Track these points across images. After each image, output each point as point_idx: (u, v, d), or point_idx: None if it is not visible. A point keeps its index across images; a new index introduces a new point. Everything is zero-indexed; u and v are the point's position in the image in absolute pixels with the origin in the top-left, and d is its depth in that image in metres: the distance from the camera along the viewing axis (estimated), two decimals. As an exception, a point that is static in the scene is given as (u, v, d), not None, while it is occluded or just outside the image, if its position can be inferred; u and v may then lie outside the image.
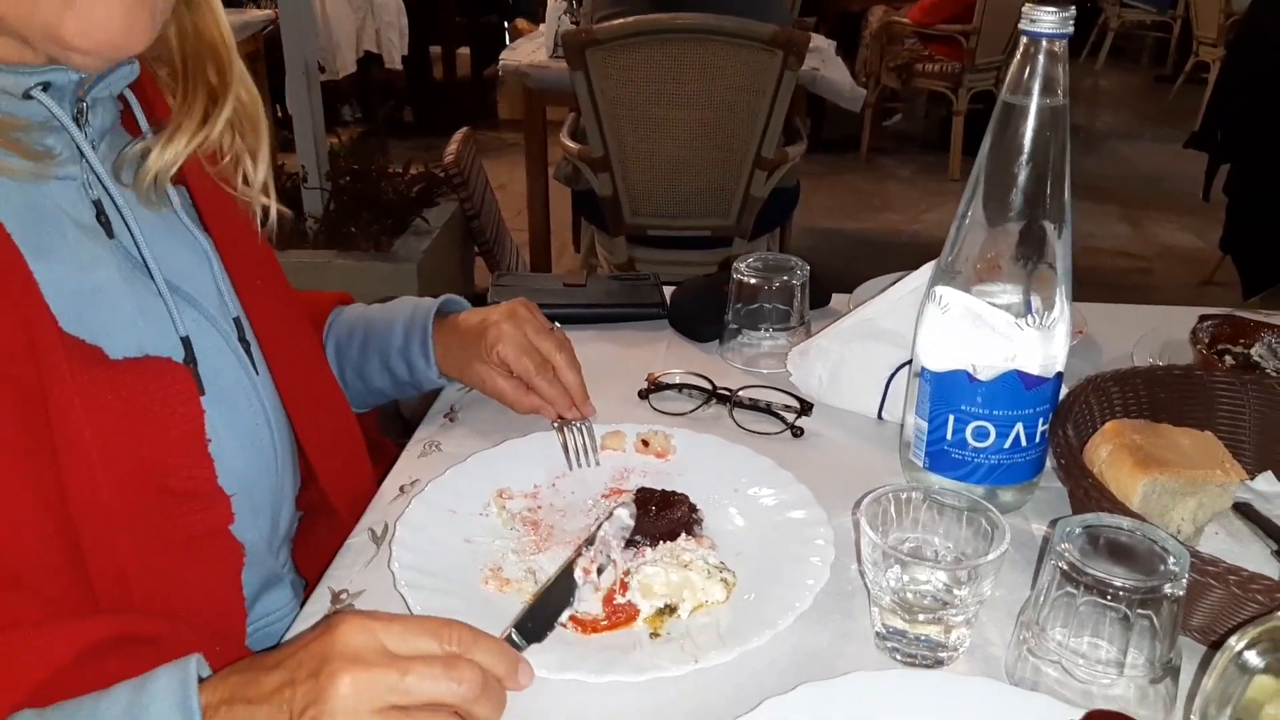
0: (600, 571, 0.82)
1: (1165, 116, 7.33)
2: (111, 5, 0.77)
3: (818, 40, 3.89)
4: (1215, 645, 0.79)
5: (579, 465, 1.05)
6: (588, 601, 0.85)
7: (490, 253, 3.07)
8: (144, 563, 0.80)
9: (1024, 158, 0.87)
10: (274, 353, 0.98)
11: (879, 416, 1.15)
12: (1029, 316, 0.90)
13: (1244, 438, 1.02)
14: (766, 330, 1.28)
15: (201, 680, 0.67)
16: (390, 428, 1.32)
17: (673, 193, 3.16)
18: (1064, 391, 0.98)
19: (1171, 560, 0.71)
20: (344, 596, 0.88)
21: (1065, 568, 0.72)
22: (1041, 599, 0.74)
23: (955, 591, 0.78)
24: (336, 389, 1.10)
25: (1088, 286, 1.10)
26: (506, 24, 6.97)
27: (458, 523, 0.95)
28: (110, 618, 0.76)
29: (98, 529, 0.76)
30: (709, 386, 1.19)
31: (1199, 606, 0.78)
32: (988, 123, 0.89)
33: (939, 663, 0.80)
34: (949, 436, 0.95)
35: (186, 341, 0.87)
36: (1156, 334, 1.29)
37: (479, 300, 1.26)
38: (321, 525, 1.06)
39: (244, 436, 0.92)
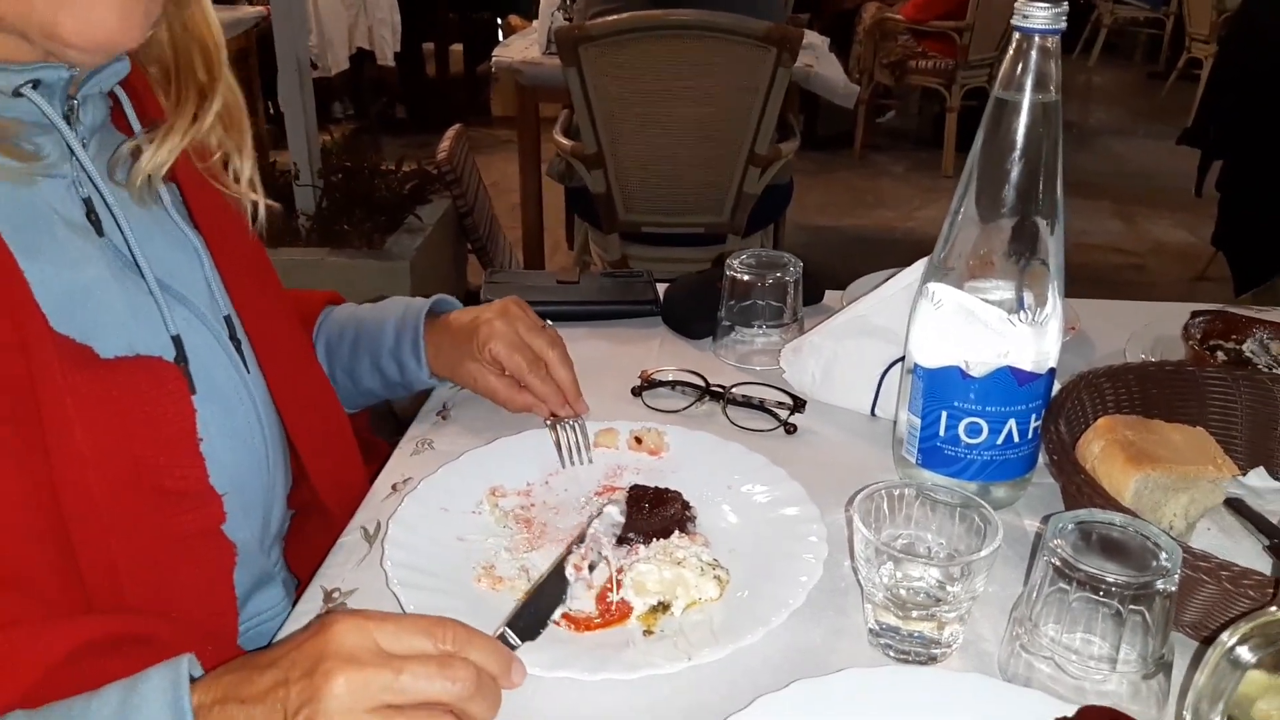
0: (592, 568, 0.82)
1: (1158, 113, 7.34)
2: (107, 2, 0.77)
3: (811, 37, 3.90)
4: (1207, 641, 0.79)
5: (572, 463, 1.05)
6: (581, 599, 0.85)
7: (483, 250, 3.06)
8: (136, 562, 0.79)
9: (1016, 154, 0.87)
10: (265, 351, 0.98)
11: (872, 413, 1.15)
12: (1021, 313, 0.90)
13: (1236, 433, 1.02)
14: (760, 327, 1.27)
15: (193, 680, 0.67)
16: (383, 426, 1.31)
17: (666, 189, 3.16)
18: (1056, 387, 0.98)
19: (1164, 556, 0.71)
20: (336, 595, 0.87)
21: (1058, 564, 0.72)
22: (1034, 595, 0.75)
23: (948, 588, 0.79)
24: (328, 387, 1.10)
25: (1080, 283, 1.10)
26: (499, 20, 6.95)
27: (450, 521, 0.95)
28: (102, 617, 0.76)
29: (89, 528, 0.76)
30: (702, 383, 1.19)
31: (1191, 602, 0.78)
32: (981, 119, 0.89)
33: (932, 659, 0.80)
34: (942, 433, 0.95)
35: (177, 340, 0.87)
36: (1149, 330, 1.30)
37: (472, 298, 1.26)
38: (313, 524, 1.05)
39: (235, 435, 0.92)
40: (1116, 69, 8.92)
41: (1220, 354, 1.21)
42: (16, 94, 0.79)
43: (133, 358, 0.83)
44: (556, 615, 0.81)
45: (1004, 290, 0.91)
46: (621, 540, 0.91)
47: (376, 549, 0.92)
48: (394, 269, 3.26)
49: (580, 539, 0.86)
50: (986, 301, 0.91)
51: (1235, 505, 0.89)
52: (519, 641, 0.77)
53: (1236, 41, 3.97)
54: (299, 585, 1.03)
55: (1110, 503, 0.82)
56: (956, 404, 0.94)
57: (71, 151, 0.83)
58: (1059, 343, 0.94)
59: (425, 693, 0.65)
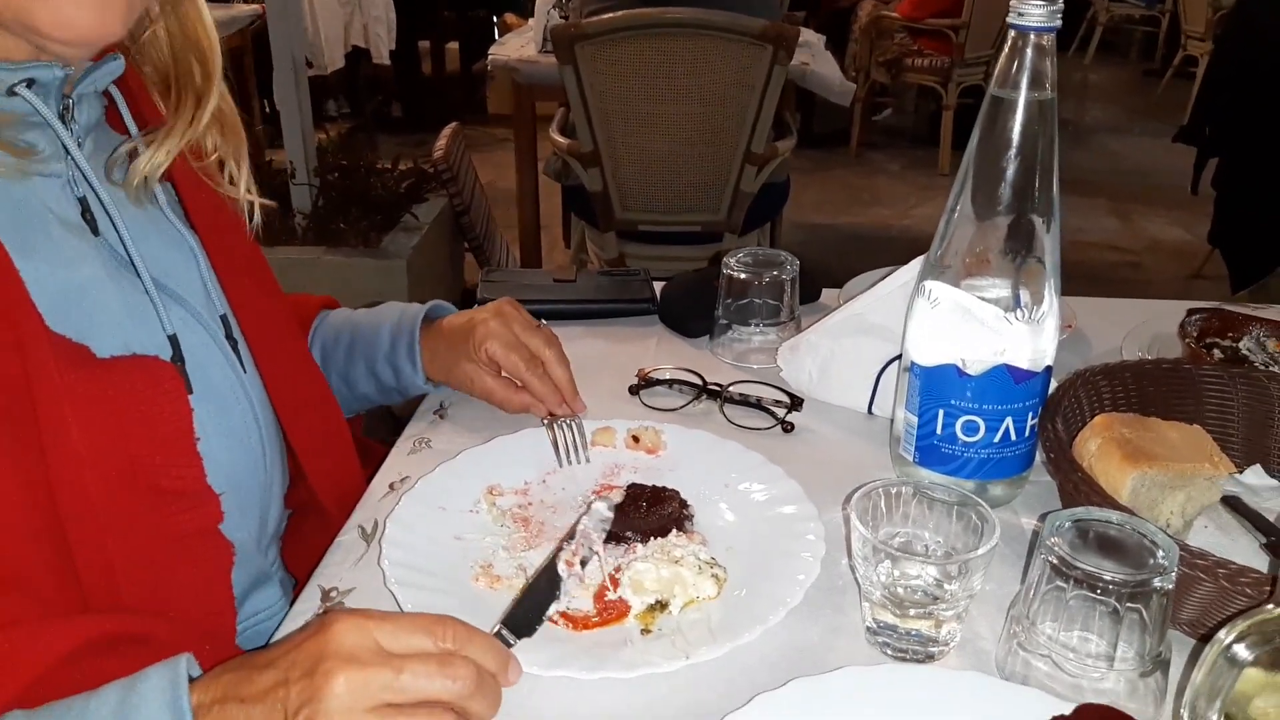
0: (584, 564, 0.82)
1: (1154, 111, 7.35)
2: None
3: (807, 35, 3.89)
4: (1205, 638, 0.79)
5: (569, 462, 1.05)
6: (579, 598, 0.85)
7: (480, 248, 3.06)
8: (133, 561, 0.79)
9: (1012, 152, 0.87)
10: (262, 351, 0.98)
11: (869, 411, 1.16)
12: (1018, 310, 0.90)
13: (1232, 431, 1.02)
14: (757, 325, 1.27)
15: (192, 680, 0.67)
16: (380, 425, 1.31)
17: (663, 188, 3.16)
18: (1053, 385, 0.98)
19: (1161, 554, 0.72)
20: (334, 594, 0.87)
21: (1055, 562, 0.72)
22: (1031, 593, 0.75)
23: (946, 586, 0.79)
24: (325, 387, 1.09)
25: (1077, 280, 1.10)
26: (495, 19, 6.95)
27: (448, 520, 0.95)
28: (99, 617, 0.76)
29: (86, 528, 0.76)
30: (699, 382, 1.19)
31: (1188, 600, 0.78)
32: (977, 117, 0.89)
33: (930, 657, 0.80)
34: (939, 431, 0.95)
35: (174, 340, 0.87)
36: (1145, 328, 1.30)
37: (469, 296, 1.26)
38: (310, 524, 1.05)
39: (232, 435, 0.92)
40: (1112, 67, 8.93)
41: (1217, 351, 1.21)
42: (11, 93, 0.79)
43: (129, 357, 0.82)
44: (551, 612, 0.81)
45: (1000, 288, 0.91)
46: (619, 539, 0.91)
47: (374, 548, 0.92)
48: (390, 268, 3.25)
49: (571, 536, 0.86)
50: (983, 299, 0.91)
51: (1232, 503, 0.89)
52: (515, 640, 0.77)
53: (1232, 39, 3.98)
54: (296, 585, 1.03)
55: (1107, 501, 0.82)
56: (953, 402, 0.94)
57: (66, 150, 0.83)
58: (1055, 341, 0.94)
59: (426, 691, 0.65)
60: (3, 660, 0.69)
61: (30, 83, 0.79)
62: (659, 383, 1.21)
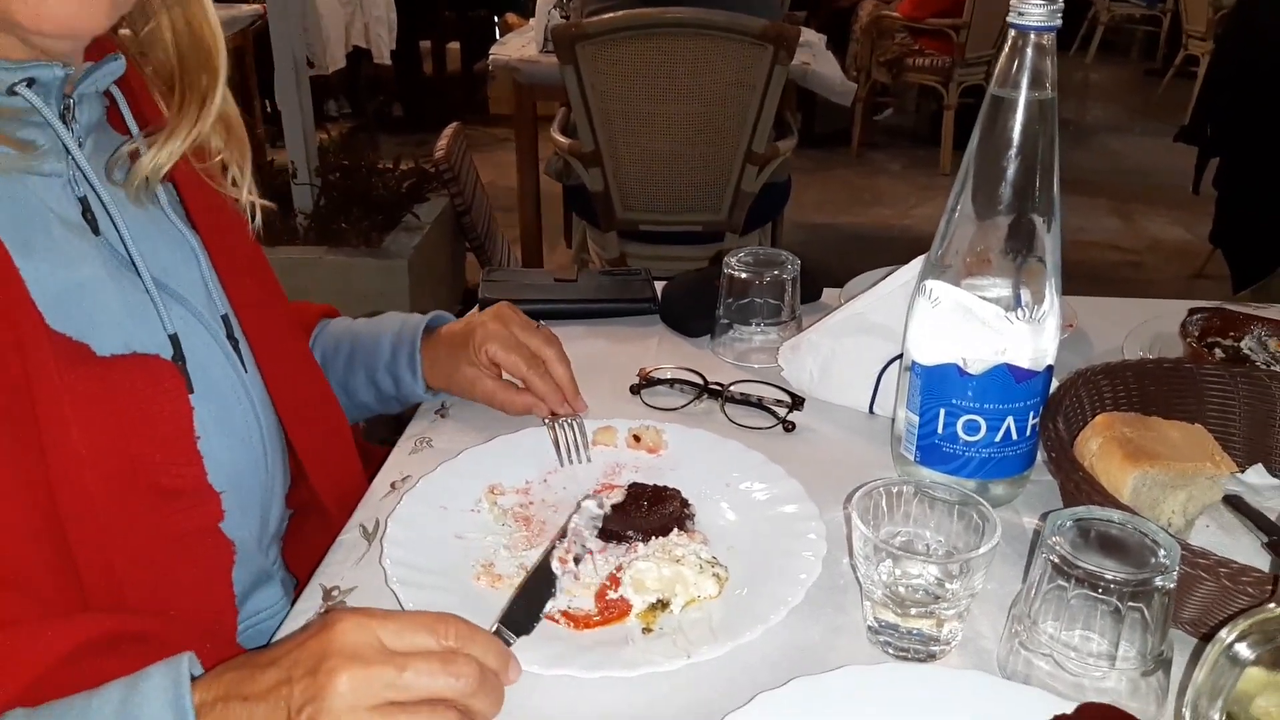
0: (577, 561, 0.82)
1: (1155, 110, 7.35)
2: None
3: (808, 35, 3.89)
4: (1206, 638, 0.79)
5: (571, 461, 1.05)
6: (580, 597, 0.85)
7: (481, 248, 3.06)
8: (134, 561, 0.79)
9: (1013, 151, 0.87)
10: (263, 350, 0.98)
11: (870, 411, 1.16)
12: (1019, 310, 0.90)
13: (1234, 430, 1.02)
14: (758, 325, 1.27)
15: (194, 678, 0.67)
16: (381, 425, 1.31)
17: (664, 188, 3.16)
18: (1054, 385, 0.98)
19: (1162, 553, 0.71)
20: (335, 593, 0.87)
21: (1056, 561, 0.72)
22: (1033, 592, 0.75)
23: (947, 585, 0.79)
24: (326, 387, 1.09)
25: (1078, 280, 1.10)
26: (496, 18, 6.95)
27: (449, 519, 0.95)
28: (100, 616, 0.76)
29: (87, 527, 0.76)
30: (700, 381, 1.19)
31: (1190, 599, 0.78)
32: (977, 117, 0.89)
33: (931, 656, 0.80)
34: (940, 430, 0.95)
35: (174, 339, 0.87)
36: (1146, 327, 1.30)
37: (470, 296, 1.26)
38: (311, 523, 1.05)
39: (233, 434, 0.92)
40: (1113, 66, 8.92)
41: (1218, 351, 1.21)
42: (11, 92, 0.79)
43: (129, 355, 0.82)
44: (548, 609, 0.81)
45: (1001, 288, 0.91)
46: (620, 538, 0.91)
47: (375, 547, 0.92)
48: (392, 267, 3.25)
49: (563, 535, 0.86)
50: (984, 299, 0.91)
51: (1234, 502, 0.89)
52: (514, 638, 0.77)
53: (1233, 39, 3.97)
54: (298, 584, 1.03)
55: (1109, 500, 0.82)
56: (954, 401, 0.94)
57: (67, 150, 0.83)
58: (1057, 340, 0.94)
59: (429, 689, 0.65)
60: (3, 659, 0.69)
61: (31, 82, 0.79)
62: (660, 382, 1.21)
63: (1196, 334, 1.22)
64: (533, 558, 0.91)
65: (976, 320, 0.91)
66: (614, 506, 0.94)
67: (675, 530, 0.91)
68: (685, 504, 0.95)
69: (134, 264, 0.86)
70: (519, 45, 3.91)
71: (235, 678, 0.67)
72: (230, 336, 0.94)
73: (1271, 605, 0.65)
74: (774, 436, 1.12)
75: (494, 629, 0.76)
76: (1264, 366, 1.17)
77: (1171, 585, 0.70)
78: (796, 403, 1.15)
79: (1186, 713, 0.66)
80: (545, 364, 1.12)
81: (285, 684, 0.65)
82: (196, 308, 0.92)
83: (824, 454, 1.09)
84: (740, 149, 3.05)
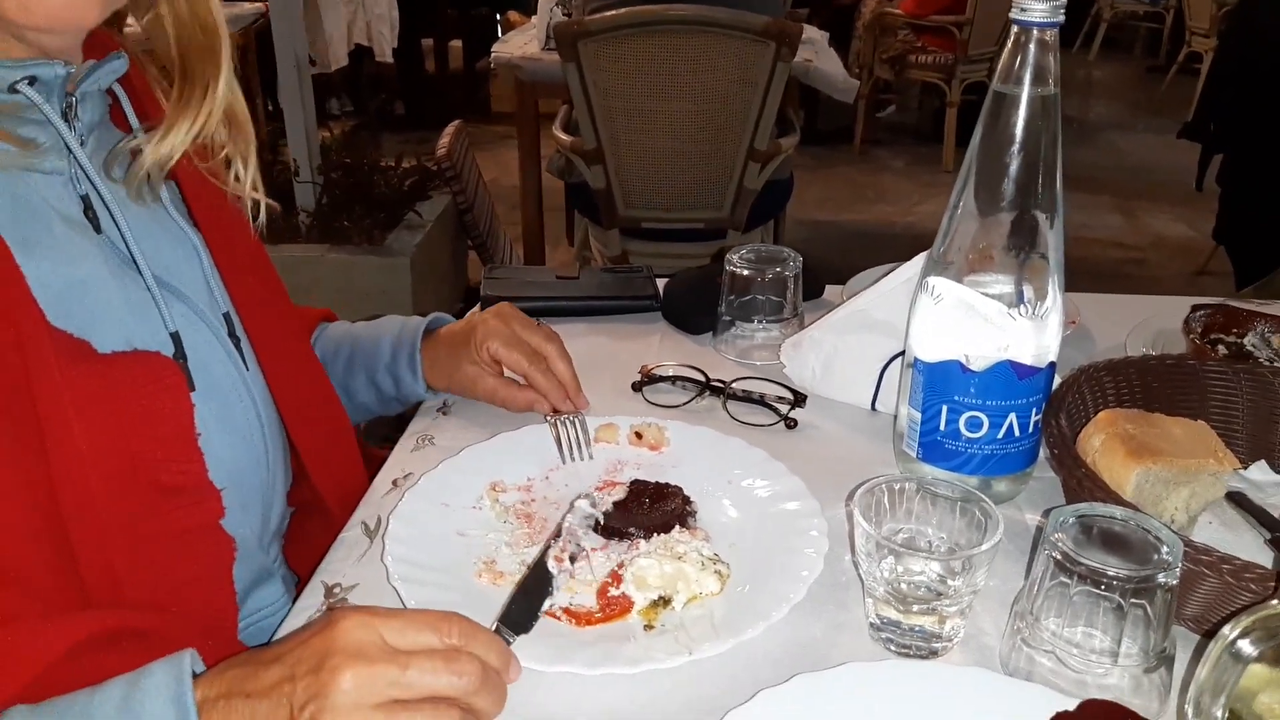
0: (573, 559, 0.82)
1: (1158, 107, 7.33)
2: None
3: (810, 32, 3.89)
4: (1209, 634, 0.79)
5: (572, 458, 1.05)
6: (581, 594, 0.85)
7: (483, 246, 3.06)
8: (135, 558, 0.79)
9: (1015, 147, 0.87)
10: (264, 348, 0.98)
11: (872, 408, 1.15)
12: (1021, 306, 0.90)
13: (1237, 427, 1.02)
14: (760, 322, 1.27)
15: (196, 675, 0.67)
16: (382, 423, 1.31)
17: (666, 185, 3.16)
18: (1057, 381, 0.98)
19: (1165, 550, 0.71)
20: (337, 590, 0.87)
21: (1059, 558, 0.72)
22: (1035, 589, 0.74)
23: (949, 582, 0.78)
24: (327, 385, 1.10)
25: (1081, 277, 1.10)
26: (498, 16, 6.94)
27: (451, 516, 0.95)
28: (101, 613, 0.76)
29: (88, 524, 0.76)
30: (702, 379, 1.19)
31: (1193, 596, 0.78)
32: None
33: (933, 653, 0.80)
34: (942, 427, 0.95)
35: (176, 337, 0.87)
36: (1149, 324, 1.29)
37: (472, 293, 1.26)
38: (313, 521, 1.05)
39: (234, 431, 0.92)
40: (1116, 63, 8.91)
41: (1221, 348, 1.21)
42: (13, 90, 0.79)
43: (130, 353, 0.82)
44: (546, 607, 0.81)
45: (1004, 284, 0.91)
46: (622, 535, 0.92)
47: (377, 544, 0.92)
48: (394, 265, 3.26)
49: (557, 534, 0.86)
50: (986, 295, 0.91)
51: (1237, 499, 0.89)
52: (514, 637, 0.77)
53: (1236, 35, 3.97)
54: (299, 582, 1.03)
55: (1111, 496, 0.82)
56: (957, 398, 0.94)
57: (69, 148, 0.83)
58: (1059, 337, 0.94)
59: (432, 687, 0.65)
60: (5, 657, 0.69)
61: (32, 80, 0.79)
62: (662, 379, 1.21)
63: (1199, 330, 1.22)
64: (534, 555, 0.91)
65: (979, 317, 0.91)
66: (616, 504, 0.94)
67: (677, 527, 0.91)
68: (687, 501, 0.95)
69: (135, 262, 0.86)
70: (521, 43, 3.91)
71: (238, 674, 0.67)
72: (232, 334, 0.94)
73: (1274, 602, 0.65)
74: (776, 433, 1.12)
75: (493, 628, 0.76)
76: (1267, 363, 1.17)
77: (1174, 582, 0.70)
78: (798, 400, 1.15)
79: (1189, 709, 0.66)
80: (547, 360, 1.12)
81: (288, 681, 0.65)
82: (198, 305, 0.92)
83: (826, 451, 1.09)
84: (742, 146, 3.05)
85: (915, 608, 0.79)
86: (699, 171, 3.12)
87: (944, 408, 0.95)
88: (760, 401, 1.16)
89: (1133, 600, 0.70)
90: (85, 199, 0.85)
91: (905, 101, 7.16)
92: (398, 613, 0.69)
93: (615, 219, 3.22)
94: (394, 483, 1.02)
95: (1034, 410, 0.94)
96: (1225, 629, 0.65)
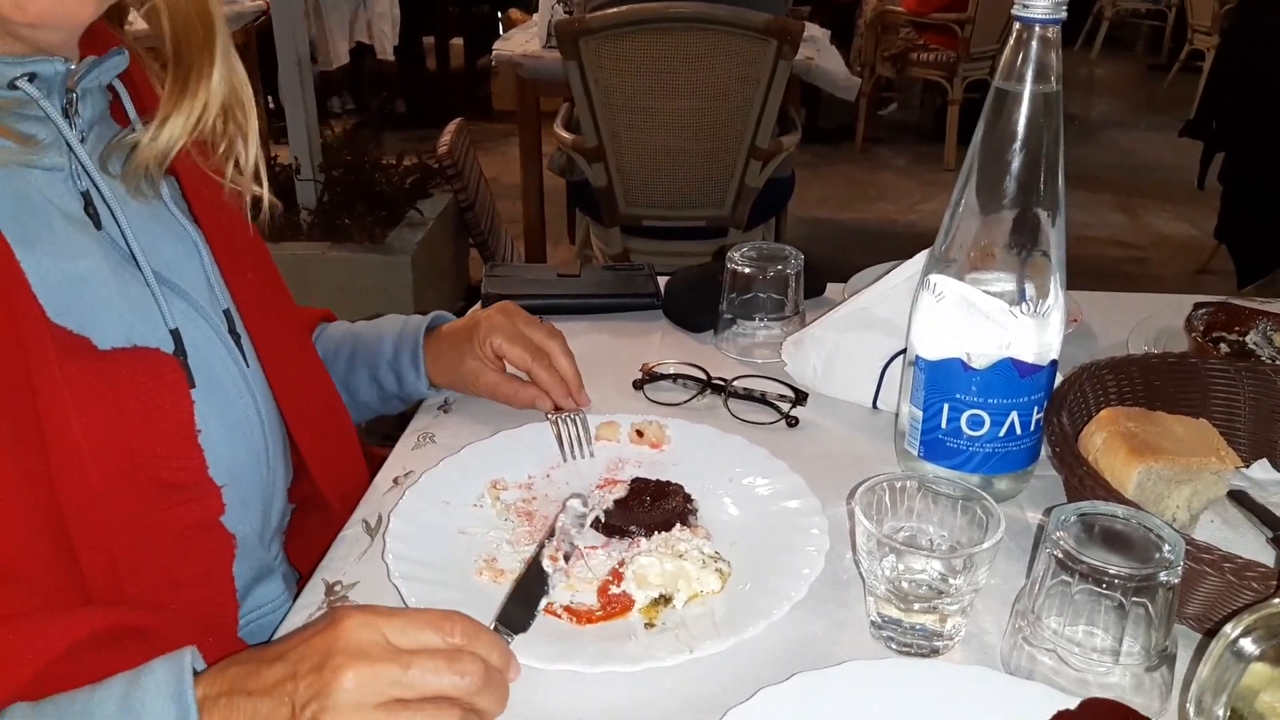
0: (567, 558, 0.82)
1: (1160, 105, 7.32)
2: None
3: (812, 29, 3.89)
4: (1210, 633, 0.79)
5: (573, 456, 1.05)
6: (582, 592, 0.85)
7: (484, 244, 3.06)
8: (135, 554, 0.79)
9: (1017, 144, 0.87)
10: (265, 345, 0.98)
11: (874, 406, 1.15)
12: (1023, 304, 0.90)
13: (1239, 425, 1.01)
14: (761, 320, 1.27)
15: (197, 673, 0.67)
16: (383, 421, 1.31)
17: (667, 183, 3.16)
18: (1059, 380, 0.98)
19: (1166, 548, 0.71)
20: (338, 588, 0.87)
21: (1060, 556, 0.71)
22: (1036, 587, 0.74)
23: (950, 580, 0.78)
24: (329, 382, 1.10)
25: (1083, 275, 1.10)
26: (499, 14, 6.94)
27: (452, 514, 0.95)
28: (101, 610, 0.76)
29: (88, 521, 0.76)
30: (704, 376, 1.19)
31: (1194, 594, 0.78)
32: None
33: (934, 651, 0.80)
34: (944, 425, 0.95)
35: (176, 334, 0.86)
36: (1151, 322, 1.29)
37: (474, 291, 1.26)
38: (314, 517, 1.05)
39: (234, 428, 0.92)
40: (1118, 61, 8.90)
41: (1223, 346, 1.21)
42: (12, 86, 0.78)
43: (131, 349, 0.82)
44: (543, 606, 0.80)
45: (1005, 282, 0.91)
46: (623, 533, 0.92)
47: (378, 542, 0.92)
48: (395, 263, 3.26)
49: (551, 534, 0.86)
50: (988, 293, 0.91)
51: (1238, 497, 0.88)
52: (512, 636, 0.77)
53: (1238, 33, 3.97)
54: (300, 579, 1.03)
55: (1113, 495, 0.81)
56: (958, 396, 0.93)
57: (69, 144, 0.83)
58: (1061, 334, 0.93)
59: (434, 687, 0.65)
60: (5, 654, 0.69)
61: (33, 77, 0.79)
62: (663, 377, 1.21)
63: (1201, 329, 1.22)
64: (530, 554, 0.91)
65: (981, 315, 0.91)
66: (617, 502, 0.94)
67: (678, 525, 0.91)
68: (688, 499, 0.95)
69: (135, 258, 0.86)
70: (522, 40, 3.91)
71: (239, 672, 0.67)
72: (232, 331, 0.94)
73: (1276, 600, 0.65)
74: (777, 431, 1.12)
75: (491, 628, 0.76)
76: (1269, 361, 1.17)
77: (1176, 580, 0.70)
78: (800, 398, 1.15)
79: (1190, 708, 0.66)
80: (550, 357, 1.12)
81: (290, 680, 0.65)
82: (198, 302, 0.91)
83: (827, 449, 1.09)
84: (744, 144, 3.05)
85: (916, 606, 0.78)
86: (700, 169, 3.12)
87: (945, 406, 0.94)
88: (761, 400, 1.16)
89: (1134, 599, 0.70)
90: (85, 195, 0.84)
91: (907, 99, 7.16)
92: (400, 612, 0.69)
93: (616, 217, 3.22)
94: (395, 480, 1.02)
95: (1035, 408, 0.94)
96: (1227, 627, 0.65)
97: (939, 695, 0.73)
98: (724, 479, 1.00)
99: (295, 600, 0.87)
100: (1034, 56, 0.85)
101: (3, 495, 0.71)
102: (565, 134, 3.21)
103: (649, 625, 0.82)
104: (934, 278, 0.94)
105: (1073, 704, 0.70)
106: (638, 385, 1.20)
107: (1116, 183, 5.59)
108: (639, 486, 0.95)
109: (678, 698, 0.76)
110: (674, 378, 1.20)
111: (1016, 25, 0.85)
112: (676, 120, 3.03)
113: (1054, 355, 0.93)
